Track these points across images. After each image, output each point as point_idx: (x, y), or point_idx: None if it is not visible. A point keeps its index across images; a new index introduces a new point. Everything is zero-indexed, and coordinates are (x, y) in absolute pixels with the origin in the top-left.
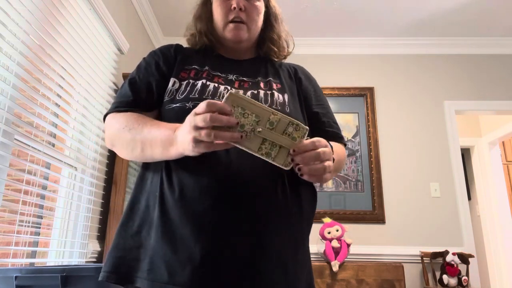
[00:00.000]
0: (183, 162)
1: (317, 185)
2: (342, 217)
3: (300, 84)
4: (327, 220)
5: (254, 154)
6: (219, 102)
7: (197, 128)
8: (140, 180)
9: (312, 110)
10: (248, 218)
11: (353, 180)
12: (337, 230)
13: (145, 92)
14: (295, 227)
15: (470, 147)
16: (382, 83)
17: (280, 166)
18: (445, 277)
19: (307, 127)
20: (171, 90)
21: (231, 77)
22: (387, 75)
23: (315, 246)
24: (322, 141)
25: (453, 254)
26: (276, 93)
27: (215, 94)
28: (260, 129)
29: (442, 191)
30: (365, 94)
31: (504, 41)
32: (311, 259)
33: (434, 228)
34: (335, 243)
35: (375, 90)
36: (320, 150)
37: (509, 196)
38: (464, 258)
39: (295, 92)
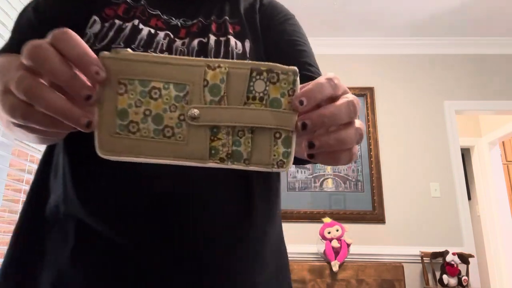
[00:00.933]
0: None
1: (317, 184)
2: (342, 217)
3: (266, 20)
4: (327, 220)
5: (207, 165)
6: (82, 43)
7: (19, 66)
8: (43, 161)
9: (280, 50)
10: (186, 245)
11: (353, 180)
12: (337, 230)
13: (54, 26)
14: (254, 247)
15: (470, 147)
16: (382, 83)
17: (268, 170)
18: (445, 277)
19: (295, 67)
20: (88, 34)
21: (175, 21)
22: (387, 75)
23: (315, 246)
24: (336, 79)
25: (453, 254)
26: (232, 40)
27: (149, 44)
28: (196, 110)
29: (442, 191)
30: (365, 94)
31: (504, 41)
32: (311, 259)
33: (434, 228)
34: (335, 243)
35: (375, 90)
36: (345, 100)
37: (509, 196)
38: (464, 258)
39: (259, 35)
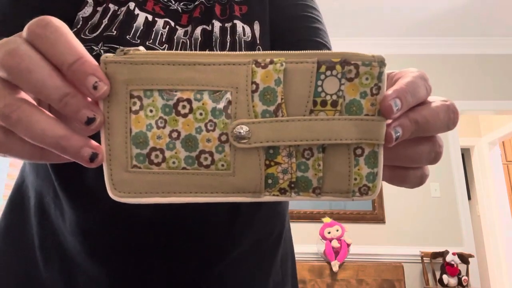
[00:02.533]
0: None
1: None
2: (342, 217)
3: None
4: (327, 220)
5: (262, 200)
6: (73, 41)
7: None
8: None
9: (289, 26)
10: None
11: None
12: (337, 230)
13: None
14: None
15: (470, 147)
16: None
17: (348, 199)
18: (445, 277)
19: (381, 55)
20: (77, 19)
21: (175, 5)
22: None
23: (315, 246)
24: (428, 79)
25: (453, 254)
26: (239, 25)
27: (147, 35)
28: (244, 127)
29: (442, 191)
30: None
31: (505, 41)
32: (311, 259)
33: (434, 228)
34: (335, 243)
35: None
36: (443, 104)
37: (509, 196)
38: (464, 258)
39: (267, 12)
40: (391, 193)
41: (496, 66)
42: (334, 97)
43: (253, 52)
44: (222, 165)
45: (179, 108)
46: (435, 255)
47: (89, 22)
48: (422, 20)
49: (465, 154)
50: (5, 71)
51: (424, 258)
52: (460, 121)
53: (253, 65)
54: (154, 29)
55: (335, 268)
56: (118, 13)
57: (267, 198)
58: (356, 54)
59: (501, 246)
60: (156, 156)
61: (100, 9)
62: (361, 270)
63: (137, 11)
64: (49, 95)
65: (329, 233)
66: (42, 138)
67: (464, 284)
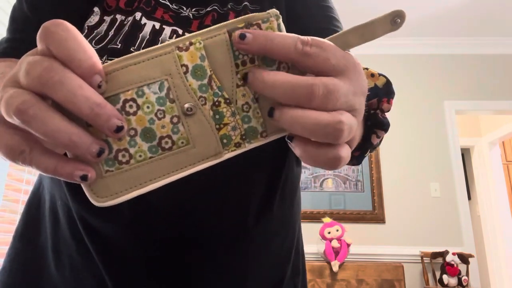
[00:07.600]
0: None
1: (317, 184)
2: (342, 217)
3: (292, 1)
4: (327, 220)
5: (224, 158)
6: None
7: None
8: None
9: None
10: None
11: (353, 180)
12: (337, 230)
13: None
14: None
15: (470, 147)
16: None
17: (285, 133)
18: (445, 277)
19: (274, 9)
20: (83, 28)
21: (186, 11)
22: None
23: (315, 246)
24: (324, 43)
25: (453, 254)
26: None
27: (152, 45)
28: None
29: (442, 191)
30: None
31: (504, 41)
32: (311, 259)
33: (434, 228)
34: (335, 243)
35: None
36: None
37: (509, 196)
38: (464, 258)
39: (284, 20)
40: (391, 193)
41: (496, 66)
42: (250, 55)
43: (173, 40)
44: (182, 142)
45: (127, 108)
46: (435, 255)
47: (95, 31)
48: (422, 20)
49: (465, 154)
50: (41, 84)
51: (424, 258)
52: (460, 121)
53: (177, 51)
54: (160, 38)
55: (335, 268)
56: (125, 23)
57: (227, 155)
58: (254, 15)
59: (501, 246)
60: (123, 155)
61: (107, 19)
62: (361, 270)
63: (144, 20)
64: (80, 105)
65: (329, 233)
66: (56, 133)
67: (464, 284)
